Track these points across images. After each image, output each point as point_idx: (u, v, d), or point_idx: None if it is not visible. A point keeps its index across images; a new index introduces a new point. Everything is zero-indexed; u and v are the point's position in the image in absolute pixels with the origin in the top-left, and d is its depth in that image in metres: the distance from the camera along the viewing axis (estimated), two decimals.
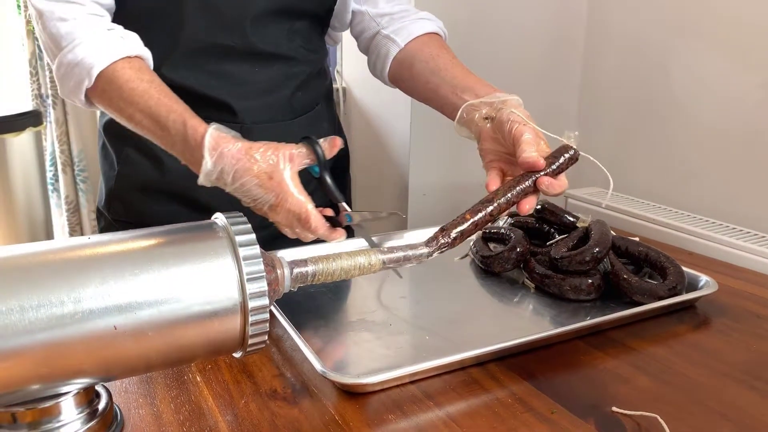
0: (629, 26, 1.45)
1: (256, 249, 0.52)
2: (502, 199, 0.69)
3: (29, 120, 2.22)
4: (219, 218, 0.56)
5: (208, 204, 0.90)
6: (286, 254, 0.62)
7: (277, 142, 0.69)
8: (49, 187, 2.35)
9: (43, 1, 0.73)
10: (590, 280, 0.78)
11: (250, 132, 0.89)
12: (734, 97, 1.20)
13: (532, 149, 0.70)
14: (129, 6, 0.80)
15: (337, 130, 1.05)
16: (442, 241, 0.67)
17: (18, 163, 2.22)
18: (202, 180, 0.68)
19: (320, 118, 1.00)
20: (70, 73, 0.72)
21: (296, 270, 0.59)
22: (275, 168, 0.67)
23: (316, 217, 0.67)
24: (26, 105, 2.27)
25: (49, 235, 2.34)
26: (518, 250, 0.85)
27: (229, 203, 0.91)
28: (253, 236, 0.53)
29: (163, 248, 0.50)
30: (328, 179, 0.70)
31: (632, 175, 1.45)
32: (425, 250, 0.66)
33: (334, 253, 0.62)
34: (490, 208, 0.69)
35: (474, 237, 0.79)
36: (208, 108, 0.83)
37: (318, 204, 0.70)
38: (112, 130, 0.93)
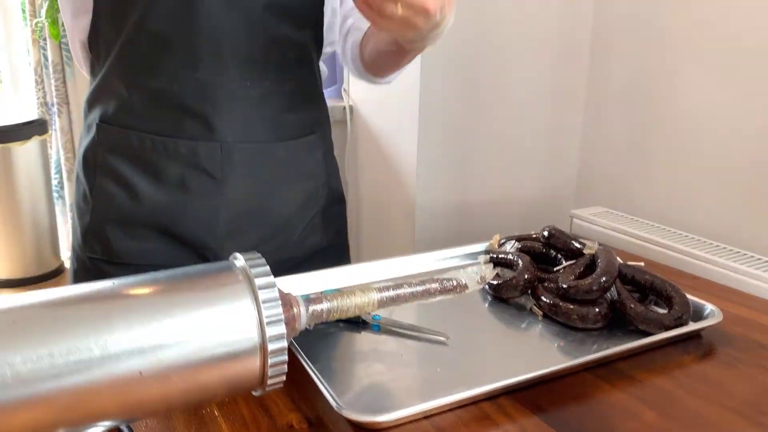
0: (634, 47, 1.46)
1: (275, 291, 0.54)
2: None
3: (35, 128, 2.23)
4: (238, 259, 0.57)
5: (191, 239, 0.86)
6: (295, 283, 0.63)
7: None
8: (55, 195, 2.36)
9: None
10: (597, 309, 0.80)
11: (230, 152, 0.84)
12: (741, 119, 1.21)
13: None
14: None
15: (330, 163, 1.01)
16: None
17: (24, 171, 2.23)
18: None
19: (313, 146, 0.96)
20: None
21: (312, 308, 0.60)
22: None
23: None
24: (32, 114, 2.29)
25: (54, 242, 2.36)
26: (526, 276, 0.86)
27: (212, 237, 0.86)
28: (272, 278, 0.54)
29: (185, 293, 0.52)
30: None
31: (637, 196, 1.46)
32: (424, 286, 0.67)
33: (347, 288, 0.63)
34: None
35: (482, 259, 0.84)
36: (183, 117, 0.82)
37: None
38: (87, 158, 0.88)
